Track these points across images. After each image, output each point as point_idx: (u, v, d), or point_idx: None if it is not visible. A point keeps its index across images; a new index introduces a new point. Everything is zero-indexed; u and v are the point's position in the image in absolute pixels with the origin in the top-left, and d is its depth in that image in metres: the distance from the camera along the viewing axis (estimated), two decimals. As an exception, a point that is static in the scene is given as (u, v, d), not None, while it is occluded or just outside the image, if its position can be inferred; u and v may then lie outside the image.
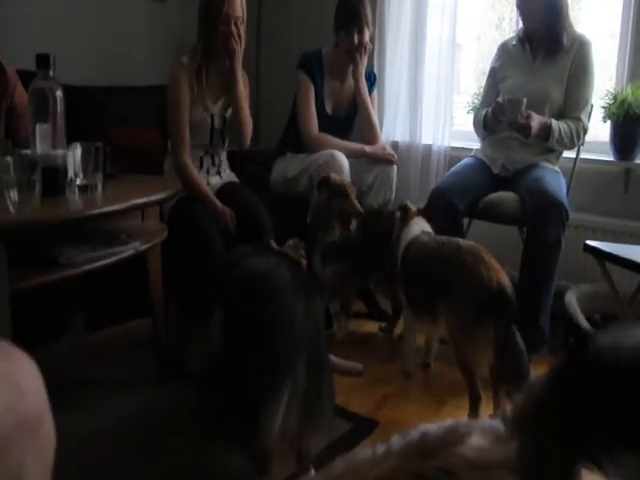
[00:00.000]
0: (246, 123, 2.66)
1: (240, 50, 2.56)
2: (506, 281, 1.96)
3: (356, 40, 2.90)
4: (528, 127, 2.54)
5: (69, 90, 1.94)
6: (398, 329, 2.77)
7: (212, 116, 2.61)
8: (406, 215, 2.40)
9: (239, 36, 2.53)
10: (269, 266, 1.55)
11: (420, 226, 2.35)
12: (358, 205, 2.56)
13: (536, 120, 2.55)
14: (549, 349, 2.41)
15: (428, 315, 2.14)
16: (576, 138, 2.66)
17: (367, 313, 2.98)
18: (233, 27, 2.50)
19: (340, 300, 2.74)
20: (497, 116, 2.64)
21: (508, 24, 3.75)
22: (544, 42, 2.75)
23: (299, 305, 1.50)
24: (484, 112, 2.80)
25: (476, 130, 2.94)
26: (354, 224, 2.61)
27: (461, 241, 2.16)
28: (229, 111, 2.66)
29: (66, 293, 2.22)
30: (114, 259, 1.82)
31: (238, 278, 1.54)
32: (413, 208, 2.43)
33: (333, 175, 2.60)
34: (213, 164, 2.69)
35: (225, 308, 1.52)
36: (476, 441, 0.74)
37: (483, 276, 1.94)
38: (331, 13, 2.96)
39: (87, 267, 1.73)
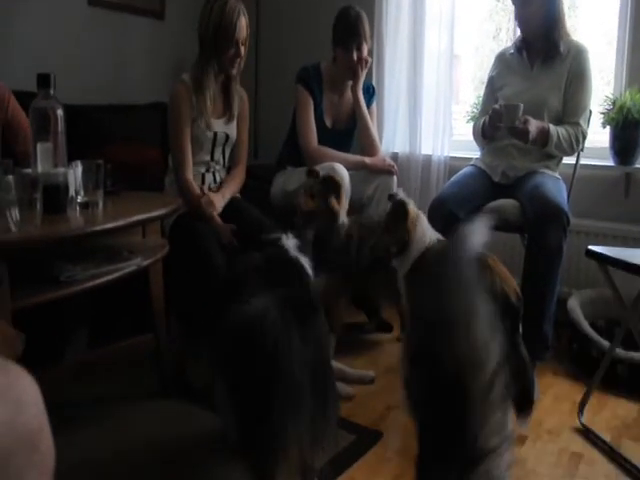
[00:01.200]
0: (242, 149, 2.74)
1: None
2: (511, 289, 1.96)
3: (355, 56, 2.90)
4: (526, 132, 2.53)
5: (70, 109, 1.96)
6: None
7: (215, 133, 2.60)
8: (405, 215, 2.16)
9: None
10: (265, 302, 1.52)
11: (433, 232, 2.21)
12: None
13: (534, 125, 2.55)
14: (553, 355, 2.40)
15: None
16: (575, 143, 2.66)
17: (370, 324, 2.97)
18: (241, 48, 2.53)
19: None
20: (494, 123, 2.64)
21: (505, 34, 3.78)
22: (541, 49, 2.76)
23: (301, 328, 1.48)
24: (482, 121, 2.80)
25: (476, 139, 2.94)
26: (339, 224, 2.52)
27: None
28: (231, 128, 2.67)
29: (68, 310, 2.23)
30: (116, 275, 1.81)
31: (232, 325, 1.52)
32: (412, 208, 2.18)
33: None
34: (215, 181, 2.68)
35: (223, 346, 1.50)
36: None
37: (487, 282, 1.96)
38: (329, 27, 2.96)
39: (89, 284, 1.73)
